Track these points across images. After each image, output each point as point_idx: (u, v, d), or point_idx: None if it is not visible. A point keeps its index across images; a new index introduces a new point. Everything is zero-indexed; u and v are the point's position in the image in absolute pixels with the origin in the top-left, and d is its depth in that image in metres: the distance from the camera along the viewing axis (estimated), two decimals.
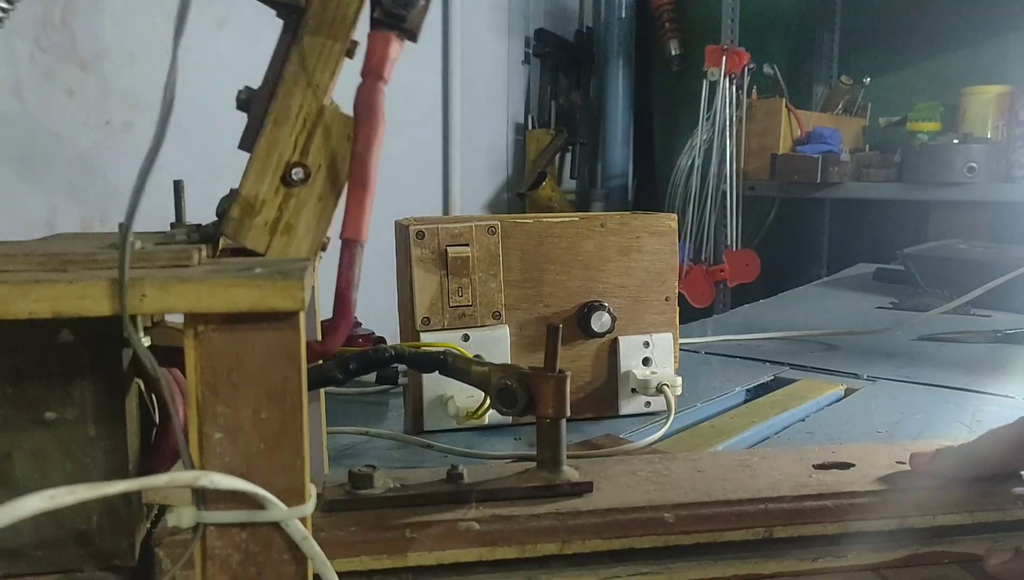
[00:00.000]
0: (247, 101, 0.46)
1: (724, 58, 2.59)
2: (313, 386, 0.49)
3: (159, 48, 1.79)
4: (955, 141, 2.40)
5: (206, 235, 0.45)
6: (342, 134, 0.46)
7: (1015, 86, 2.39)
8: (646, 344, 0.89)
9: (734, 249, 2.72)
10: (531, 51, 3.05)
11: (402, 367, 0.83)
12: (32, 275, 0.38)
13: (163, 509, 0.50)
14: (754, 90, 2.67)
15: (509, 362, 0.79)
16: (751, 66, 2.64)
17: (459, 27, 2.66)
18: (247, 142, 0.46)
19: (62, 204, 1.64)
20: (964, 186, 2.36)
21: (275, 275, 0.37)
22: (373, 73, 0.47)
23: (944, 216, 2.45)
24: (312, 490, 0.40)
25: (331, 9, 0.46)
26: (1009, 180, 2.37)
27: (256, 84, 0.47)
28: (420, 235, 0.82)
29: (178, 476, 0.35)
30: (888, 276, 1.75)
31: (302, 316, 0.38)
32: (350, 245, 0.46)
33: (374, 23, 0.47)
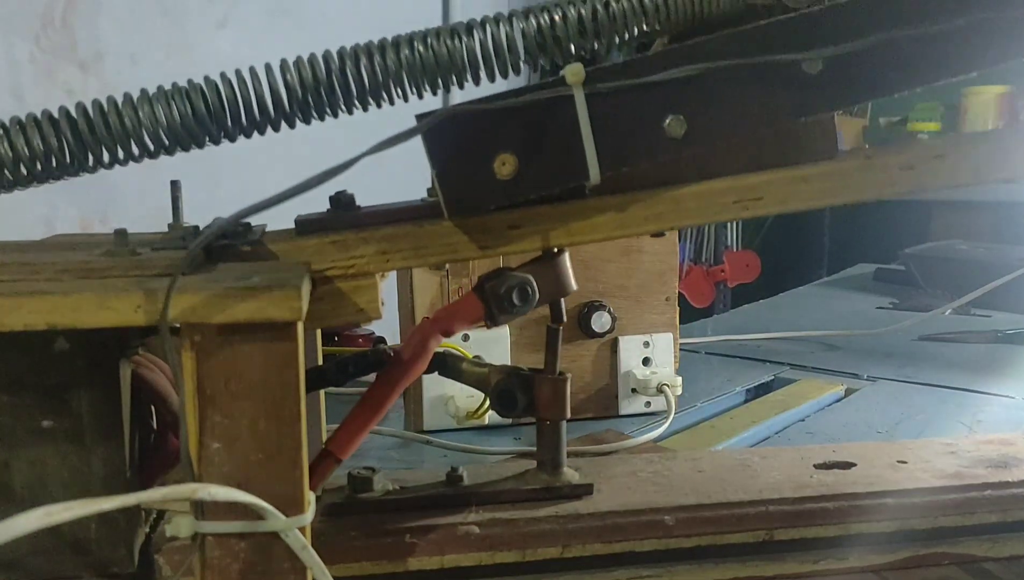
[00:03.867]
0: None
1: None
2: (311, 388, 0.49)
3: (159, 48, 1.79)
4: None
5: (208, 246, 0.44)
6: None
7: (1015, 86, 2.39)
8: (646, 344, 0.89)
9: (734, 249, 2.71)
10: None
11: None
12: (27, 286, 0.37)
13: (162, 514, 0.50)
14: None
15: (509, 363, 0.79)
16: None
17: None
18: None
19: (62, 204, 1.64)
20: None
21: (273, 285, 0.37)
22: (443, 324, 0.50)
23: (945, 216, 2.45)
24: (311, 498, 0.40)
25: None
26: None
27: None
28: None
29: (175, 490, 0.35)
30: (888, 276, 1.74)
31: (300, 326, 0.38)
32: (331, 459, 0.47)
33: (480, 289, 0.50)
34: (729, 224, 2.70)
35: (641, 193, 0.48)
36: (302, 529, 0.39)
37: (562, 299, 0.55)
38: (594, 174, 0.46)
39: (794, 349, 1.19)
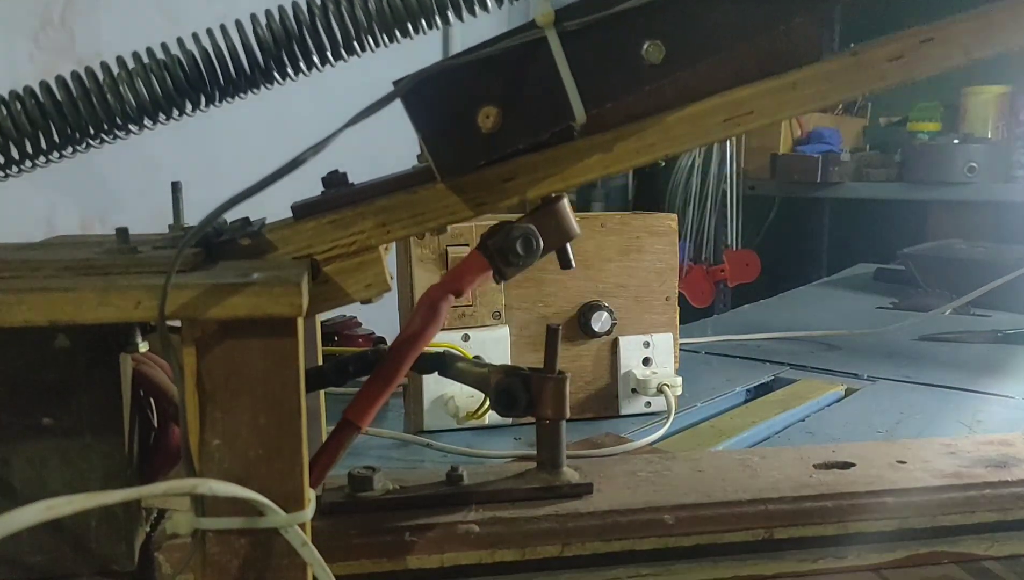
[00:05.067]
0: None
1: None
2: (311, 388, 0.49)
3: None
4: (955, 141, 2.40)
5: (208, 244, 0.44)
6: None
7: (1015, 86, 2.39)
8: (646, 344, 0.89)
9: (734, 249, 2.72)
10: None
11: None
12: (27, 282, 0.37)
13: (162, 512, 0.50)
14: None
15: (509, 362, 0.79)
16: None
17: (459, 25, 2.65)
18: None
19: (62, 204, 1.64)
20: (964, 186, 2.36)
21: (273, 282, 0.37)
22: (452, 285, 0.49)
23: (944, 216, 2.46)
24: (311, 495, 0.40)
25: None
26: (1009, 180, 2.37)
27: None
28: (420, 235, 0.82)
29: (176, 484, 0.35)
30: (888, 276, 1.75)
31: (300, 322, 0.38)
32: (350, 427, 0.46)
33: (483, 246, 0.49)
34: (729, 223, 2.70)
35: (629, 126, 0.47)
36: (302, 525, 0.39)
37: (568, 244, 0.54)
38: (579, 113, 0.45)
39: (794, 349, 1.19)
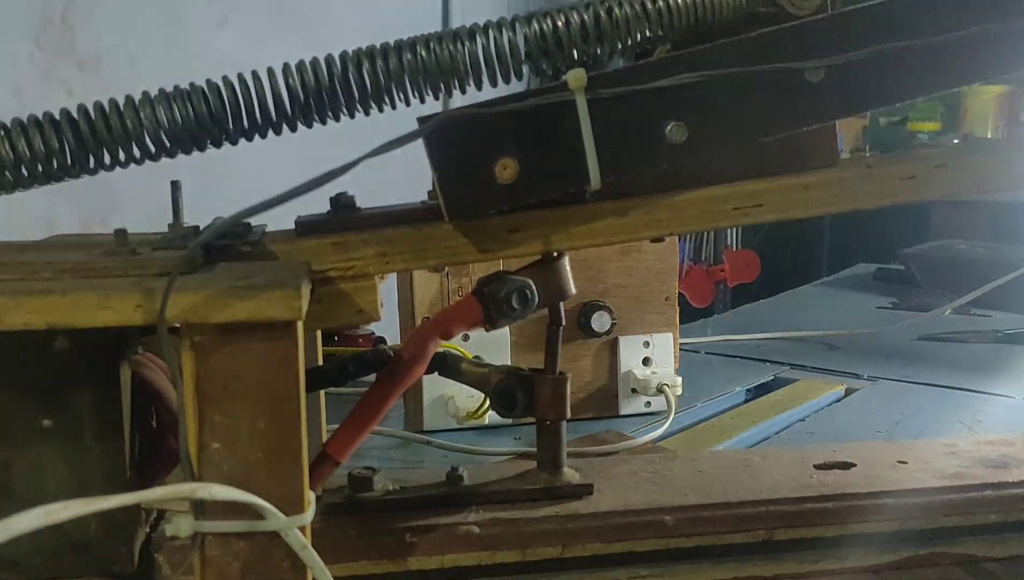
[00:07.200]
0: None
1: None
2: (311, 389, 0.49)
3: (159, 48, 1.79)
4: (955, 141, 2.40)
5: (208, 246, 0.44)
6: None
7: (1015, 86, 2.39)
8: (646, 344, 0.89)
9: (734, 249, 2.71)
10: None
11: None
12: (27, 285, 0.37)
13: (162, 514, 0.50)
14: None
15: (509, 362, 0.79)
16: None
17: (459, 25, 2.65)
18: None
19: (62, 204, 1.64)
20: None
21: (273, 284, 0.37)
22: (441, 326, 0.50)
23: (944, 215, 2.45)
24: (311, 498, 0.40)
25: None
26: None
27: None
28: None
29: (175, 488, 0.35)
30: (888, 276, 1.74)
31: (300, 325, 0.38)
32: (330, 461, 0.47)
33: (479, 292, 0.50)
34: None
35: (641, 199, 0.48)
36: (302, 528, 0.39)
37: (561, 303, 0.55)
38: (595, 179, 0.46)
39: (794, 349, 1.19)
